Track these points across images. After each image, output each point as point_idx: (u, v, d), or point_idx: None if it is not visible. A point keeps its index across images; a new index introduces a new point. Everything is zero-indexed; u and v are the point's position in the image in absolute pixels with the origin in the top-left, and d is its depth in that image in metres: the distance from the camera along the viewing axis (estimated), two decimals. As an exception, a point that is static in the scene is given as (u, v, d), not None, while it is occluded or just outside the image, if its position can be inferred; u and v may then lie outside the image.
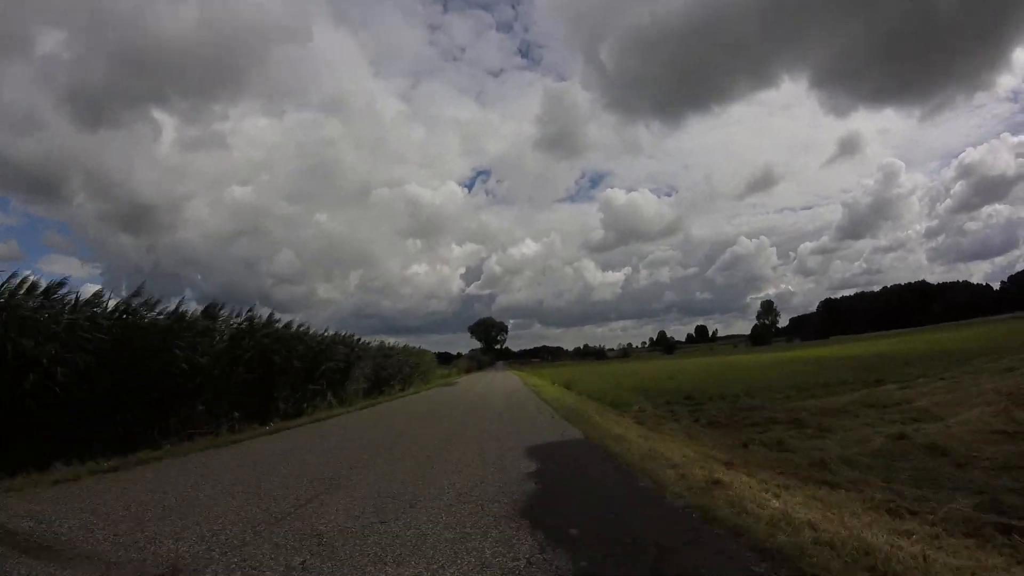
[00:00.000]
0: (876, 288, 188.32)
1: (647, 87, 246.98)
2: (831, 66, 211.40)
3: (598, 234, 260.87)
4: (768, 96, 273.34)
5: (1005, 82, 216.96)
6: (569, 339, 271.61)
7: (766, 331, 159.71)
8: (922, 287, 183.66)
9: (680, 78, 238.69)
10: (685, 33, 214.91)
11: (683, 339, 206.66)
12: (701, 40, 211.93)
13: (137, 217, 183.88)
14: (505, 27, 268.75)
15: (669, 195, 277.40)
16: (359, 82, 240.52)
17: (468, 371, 66.85)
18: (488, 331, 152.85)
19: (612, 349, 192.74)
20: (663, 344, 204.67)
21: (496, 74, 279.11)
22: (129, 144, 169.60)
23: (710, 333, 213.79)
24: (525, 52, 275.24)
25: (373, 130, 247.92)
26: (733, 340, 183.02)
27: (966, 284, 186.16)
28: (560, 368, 67.66)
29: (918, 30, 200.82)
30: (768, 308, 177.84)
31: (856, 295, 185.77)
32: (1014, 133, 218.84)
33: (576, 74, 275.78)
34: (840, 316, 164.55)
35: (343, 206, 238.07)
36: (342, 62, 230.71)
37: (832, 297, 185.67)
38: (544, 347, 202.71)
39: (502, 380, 40.59)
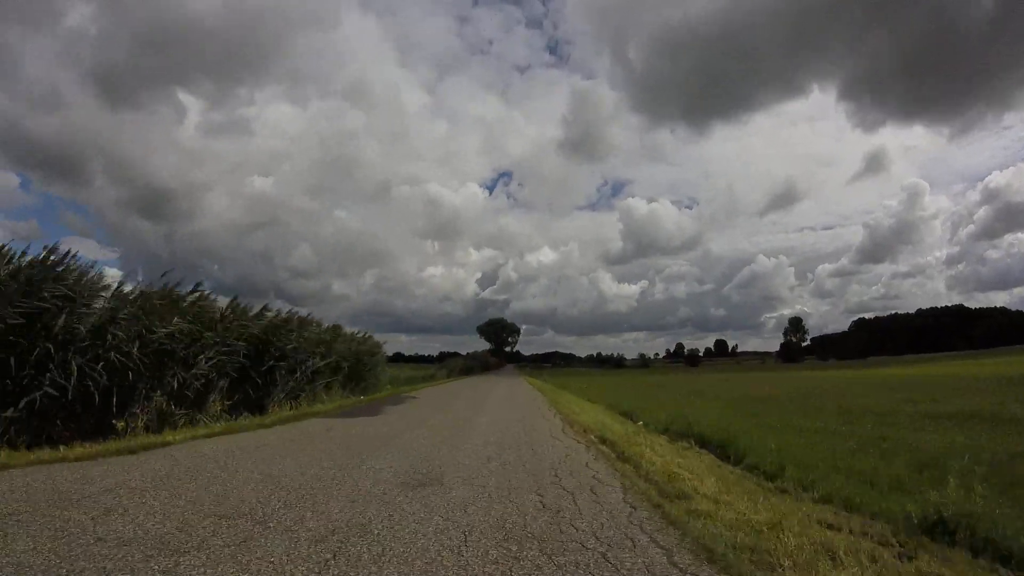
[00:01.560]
0: (909, 311, 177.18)
1: (674, 90, 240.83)
2: (861, 78, 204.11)
3: (616, 245, 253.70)
4: (795, 107, 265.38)
5: None
6: (581, 347, 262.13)
7: (795, 348, 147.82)
8: (959, 311, 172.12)
9: (707, 83, 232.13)
10: (715, 37, 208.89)
11: (700, 353, 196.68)
12: (731, 45, 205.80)
13: (156, 203, 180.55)
14: (535, 23, 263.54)
15: (690, 207, 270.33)
16: (384, 70, 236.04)
17: (465, 374, 53.54)
18: (499, 332, 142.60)
19: (631, 359, 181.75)
20: (681, 356, 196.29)
21: (523, 70, 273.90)
22: (152, 126, 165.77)
23: (730, 348, 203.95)
24: (553, 49, 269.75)
25: (396, 123, 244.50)
26: (758, 356, 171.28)
27: (1004, 310, 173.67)
28: (582, 377, 56.57)
29: (950, 46, 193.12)
30: (796, 325, 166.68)
31: (890, 316, 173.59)
32: None
33: (603, 73, 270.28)
34: (873, 336, 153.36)
35: (363, 202, 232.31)
36: (368, 49, 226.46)
37: (865, 317, 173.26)
38: (556, 352, 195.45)
39: (506, 400, 20.62)
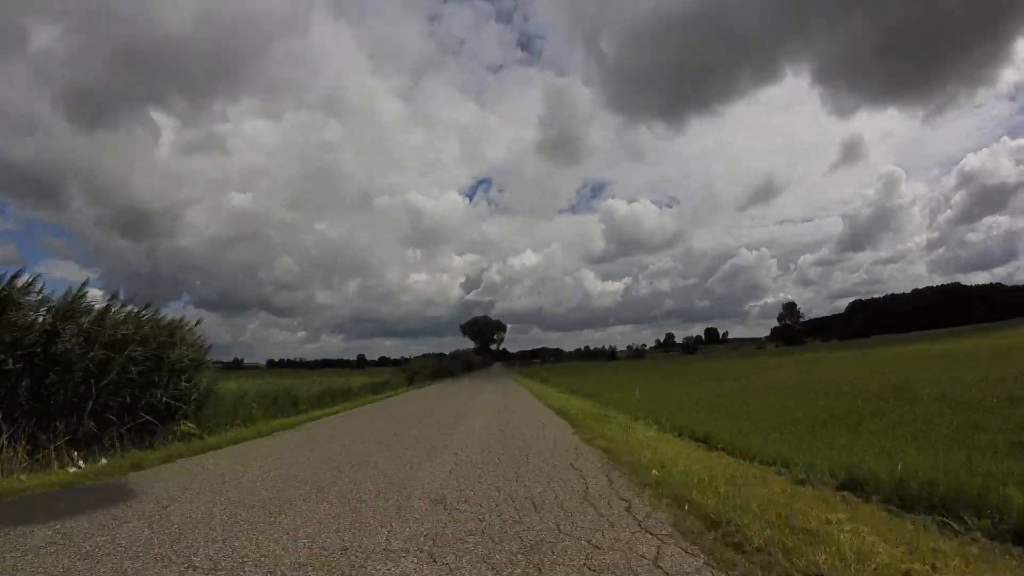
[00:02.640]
0: (903, 291, 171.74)
1: (649, 82, 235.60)
2: (835, 61, 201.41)
3: (599, 245, 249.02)
4: (771, 93, 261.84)
5: (1007, 76, 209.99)
6: (567, 342, 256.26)
7: (795, 332, 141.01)
8: (956, 288, 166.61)
9: (682, 73, 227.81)
10: (687, 25, 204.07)
11: (690, 341, 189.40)
12: (704, 32, 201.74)
13: (136, 222, 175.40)
14: (504, 17, 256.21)
15: (670, 206, 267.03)
16: (358, 79, 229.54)
17: (436, 378, 42.97)
18: (483, 330, 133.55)
19: (623, 350, 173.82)
20: (673, 345, 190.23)
21: (496, 70, 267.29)
22: (127, 146, 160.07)
23: (720, 335, 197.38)
24: (525, 44, 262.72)
25: (373, 133, 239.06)
26: (752, 342, 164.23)
27: (999, 286, 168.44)
28: (581, 374, 46.98)
29: (922, 25, 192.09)
30: (791, 309, 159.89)
31: (887, 297, 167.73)
32: (1013, 137, 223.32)
33: (577, 69, 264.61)
34: (870, 317, 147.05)
35: (344, 214, 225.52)
36: (341, 58, 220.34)
37: (861, 299, 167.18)
38: (544, 348, 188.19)
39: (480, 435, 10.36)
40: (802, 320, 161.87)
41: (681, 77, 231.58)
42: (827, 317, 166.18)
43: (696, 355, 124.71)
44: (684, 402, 16.23)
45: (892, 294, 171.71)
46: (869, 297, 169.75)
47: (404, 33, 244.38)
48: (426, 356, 47.54)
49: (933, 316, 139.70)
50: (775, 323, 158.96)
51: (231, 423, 10.93)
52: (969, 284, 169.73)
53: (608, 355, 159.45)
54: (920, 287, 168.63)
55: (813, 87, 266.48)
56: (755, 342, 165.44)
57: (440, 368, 46.34)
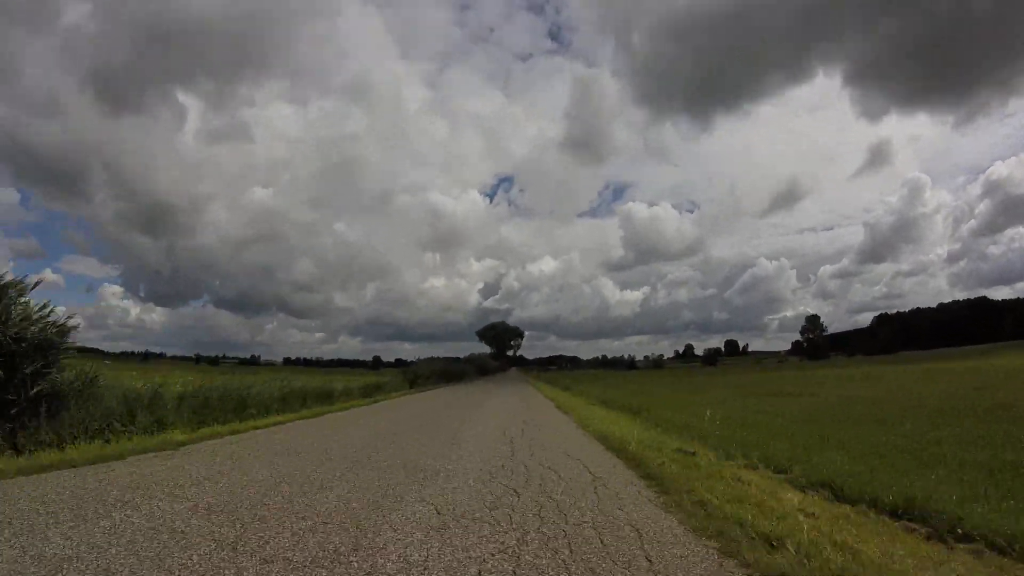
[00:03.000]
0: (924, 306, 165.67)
1: (678, 78, 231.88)
2: (867, 62, 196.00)
3: (618, 252, 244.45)
4: (800, 94, 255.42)
5: None
6: (584, 351, 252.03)
7: (820, 345, 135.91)
8: (983, 303, 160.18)
9: (712, 69, 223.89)
10: (719, 22, 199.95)
11: (710, 353, 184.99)
12: (736, 29, 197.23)
13: (157, 217, 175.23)
14: (536, 8, 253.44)
15: (691, 211, 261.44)
16: (385, 64, 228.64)
17: (445, 383, 38.78)
18: (500, 336, 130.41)
19: (641, 360, 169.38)
20: (692, 356, 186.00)
21: (524, 58, 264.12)
22: (153, 131, 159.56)
23: (741, 347, 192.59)
24: (555, 35, 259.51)
25: (397, 122, 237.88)
26: (774, 355, 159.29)
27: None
28: (603, 382, 43.70)
29: (956, 30, 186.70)
30: (814, 323, 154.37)
31: (912, 311, 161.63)
32: None
33: (606, 61, 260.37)
34: (896, 332, 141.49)
35: (363, 214, 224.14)
36: (369, 41, 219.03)
37: (887, 312, 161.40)
38: (561, 356, 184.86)
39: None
40: (824, 334, 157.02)
41: (711, 74, 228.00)
42: (849, 331, 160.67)
43: (717, 367, 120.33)
44: (768, 425, 12.70)
45: (917, 308, 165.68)
46: (894, 311, 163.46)
47: (433, 19, 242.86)
48: (431, 359, 44.38)
49: (960, 331, 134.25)
50: (793, 336, 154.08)
51: (120, 431, 7.97)
52: (996, 299, 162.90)
53: (627, 364, 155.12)
54: (945, 301, 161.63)
55: (844, 88, 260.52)
56: (775, 355, 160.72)
57: (448, 371, 43.31)
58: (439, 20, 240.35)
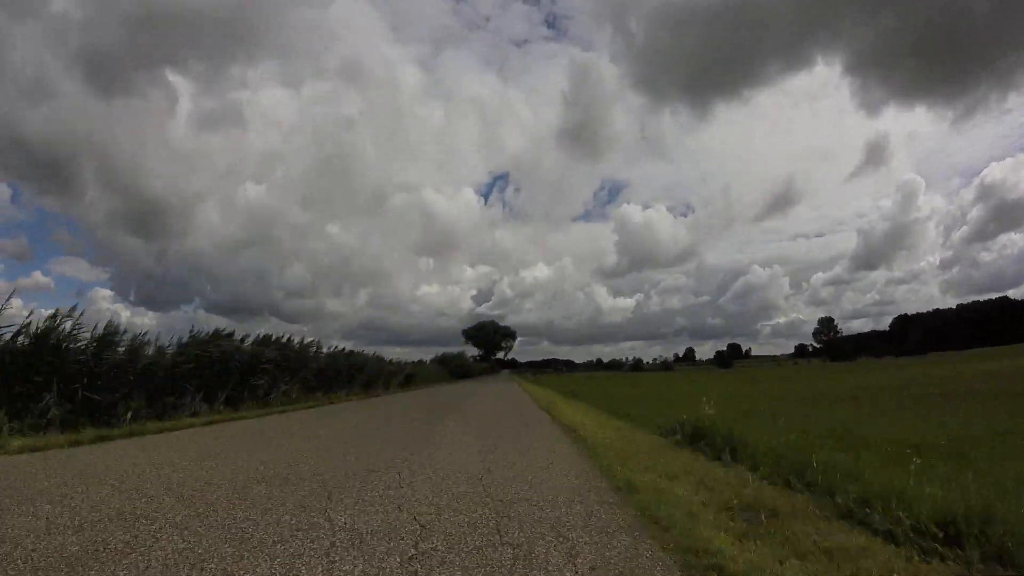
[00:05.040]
0: (892, 313, 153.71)
1: (677, 64, 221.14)
2: (867, 52, 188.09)
3: (611, 259, 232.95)
4: (799, 82, 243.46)
5: None
6: (577, 355, 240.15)
7: (844, 346, 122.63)
8: (1003, 303, 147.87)
9: (711, 56, 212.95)
10: (718, 9, 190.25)
11: (711, 357, 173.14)
12: (736, 15, 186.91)
13: (148, 217, 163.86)
14: None
15: (685, 215, 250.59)
16: (378, 48, 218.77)
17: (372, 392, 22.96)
18: (490, 336, 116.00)
19: (649, 363, 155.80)
20: (689, 359, 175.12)
21: (520, 44, 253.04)
22: (144, 115, 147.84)
23: (744, 351, 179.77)
24: (552, 23, 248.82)
25: (391, 108, 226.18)
26: (789, 359, 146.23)
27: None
28: (634, 388, 28.09)
29: (960, 24, 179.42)
30: (828, 325, 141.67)
31: (933, 312, 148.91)
32: None
33: (604, 46, 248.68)
34: (919, 333, 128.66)
35: (357, 214, 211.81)
36: (362, 25, 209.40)
37: (907, 313, 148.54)
38: (555, 359, 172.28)
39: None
40: (837, 336, 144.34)
41: (709, 61, 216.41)
42: (870, 333, 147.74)
43: (734, 368, 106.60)
44: None
45: (937, 309, 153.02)
46: (914, 313, 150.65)
47: (429, 8, 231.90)
48: (379, 360, 28.90)
49: (983, 330, 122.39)
50: (783, 341, 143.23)
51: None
52: (1018, 299, 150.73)
53: (633, 366, 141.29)
54: (975, 300, 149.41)
55: (844, 77, 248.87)
56: (789, 358, 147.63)
57: (391, 372, 29.16)
58: (434, 9, 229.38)
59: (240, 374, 14.23)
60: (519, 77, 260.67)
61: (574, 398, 19.20)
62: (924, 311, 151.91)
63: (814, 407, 14.43)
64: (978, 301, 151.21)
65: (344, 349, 21.81)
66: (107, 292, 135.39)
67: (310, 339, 19.48)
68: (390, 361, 28.16)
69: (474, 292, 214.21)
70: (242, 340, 15.19)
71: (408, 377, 30.57)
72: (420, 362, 38.57)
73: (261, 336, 16.37)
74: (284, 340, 17.09)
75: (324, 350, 19.87)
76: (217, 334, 14.35)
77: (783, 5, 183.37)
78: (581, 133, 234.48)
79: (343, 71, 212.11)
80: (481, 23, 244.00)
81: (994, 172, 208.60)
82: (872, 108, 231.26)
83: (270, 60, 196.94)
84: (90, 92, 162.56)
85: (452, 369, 47.69)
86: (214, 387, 13.34)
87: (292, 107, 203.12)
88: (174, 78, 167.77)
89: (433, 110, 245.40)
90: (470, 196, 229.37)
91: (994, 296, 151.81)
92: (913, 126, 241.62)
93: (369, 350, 24.69)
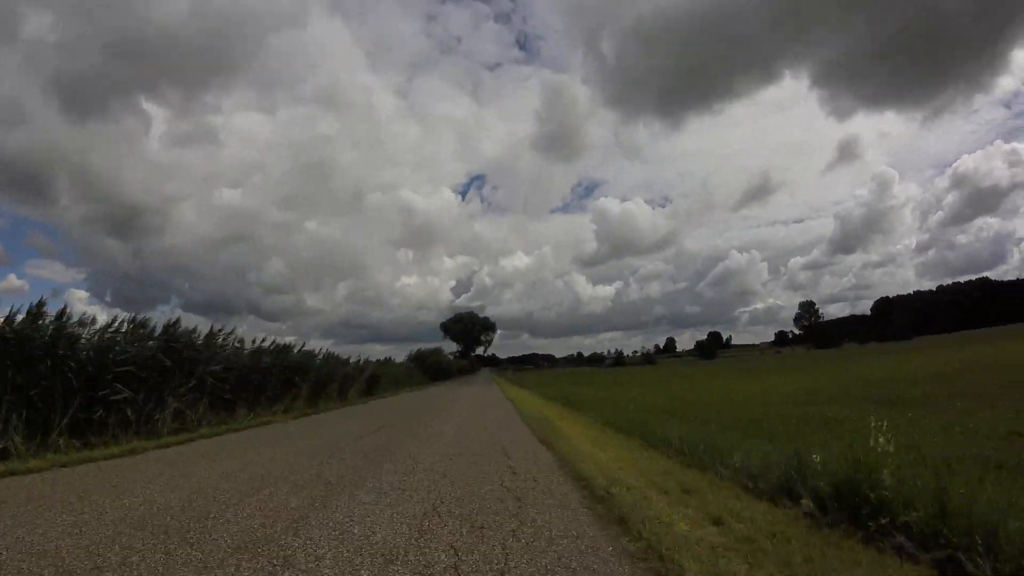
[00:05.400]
0: (873, 297, 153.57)
1: (648, 81, 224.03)
2: (834, 63, 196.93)
3: (591, 247, 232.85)
4: (769, 94, 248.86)
5: (1004, 84, 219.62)
6: (557, 349, 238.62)
7: (828, 332, 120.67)
8: (984, 284, 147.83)
9: (681, 73, 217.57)
10: (689, 26, 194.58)
11: (691, 347, 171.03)
12: (705, 33, 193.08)
13: (124, 220, 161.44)
14: (503, 18, 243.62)
15: (663, 206, 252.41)
16: (354, 74, 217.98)
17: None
18: (469, 329, 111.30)
19: (630, 355, 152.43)
20: (670, 351, 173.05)
21: (492, 68, 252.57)
22: (118, 137, 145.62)
23: (724, 339, 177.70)
24: (523, 44, 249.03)
25: (367, 127, 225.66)
26: (771, 347, 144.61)
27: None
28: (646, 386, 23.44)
29: (922, 30, 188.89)
30: (809, 309, 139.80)
31: (914, 294, 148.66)
32: (1006, 140, 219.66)
33: (576, 67, 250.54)
34: (900, 317, 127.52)
35: (335, 213, 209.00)
36: (337, 52, 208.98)
37: (888, 296, 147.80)
38: (535, 354, 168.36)
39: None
40: (819, 320, 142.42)
41: (681, 78, 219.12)
42: (849, 318, 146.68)
43: (718, 360, 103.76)
44: None
45: (918, 291, 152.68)
46: (895, 295, 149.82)
47: (401, 31, 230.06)
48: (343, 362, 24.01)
49: (965, 313, 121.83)
50: (761, 328, 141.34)
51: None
52: (1009, 279, 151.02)
53: (615, 360, 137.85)
54: (956, 281, 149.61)
55: (812, 89, 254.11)
56: (766, 346, 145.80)
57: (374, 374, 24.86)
58: (407, 32, 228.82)
59: (86, 383, 9.14)
60: (492, 99, 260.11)
61: (569, 408, 15.02)
62: (904, 293, 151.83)
63: (889, 410, 10.64)
64: (959, 283, 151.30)
65: (275, 344, 16.73)
66: (83, 293, 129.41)
67: (228, 332, 14.24)
68: (347, 361, 23.57)
69: (453, 283, 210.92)
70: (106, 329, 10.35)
71: (372, 381, 26.18)
72: (387, 360, 33.84)
73: (118, 323, 10.84)
74: (175, 329, 11.76)
75: (246, 346, 15.00)
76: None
77: (751, 24, 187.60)
78: (555, 142, 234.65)
79: (319, 98, 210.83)
80: (453, 45, 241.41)
81: (966, 162, 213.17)
82: (842, 114, 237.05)
83: (246, 89, 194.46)
84: (65, 117, 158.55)
85: (428, 368, 42.97)
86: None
87: (268, 128, 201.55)
88: (149, 106, 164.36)
89: (409, 128, 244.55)
90: (448, 195, 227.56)
91: (973, 278, 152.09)
92: (883, 127, 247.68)
93: (351, 349, 20.67)
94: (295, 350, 17.74)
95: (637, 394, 18.15)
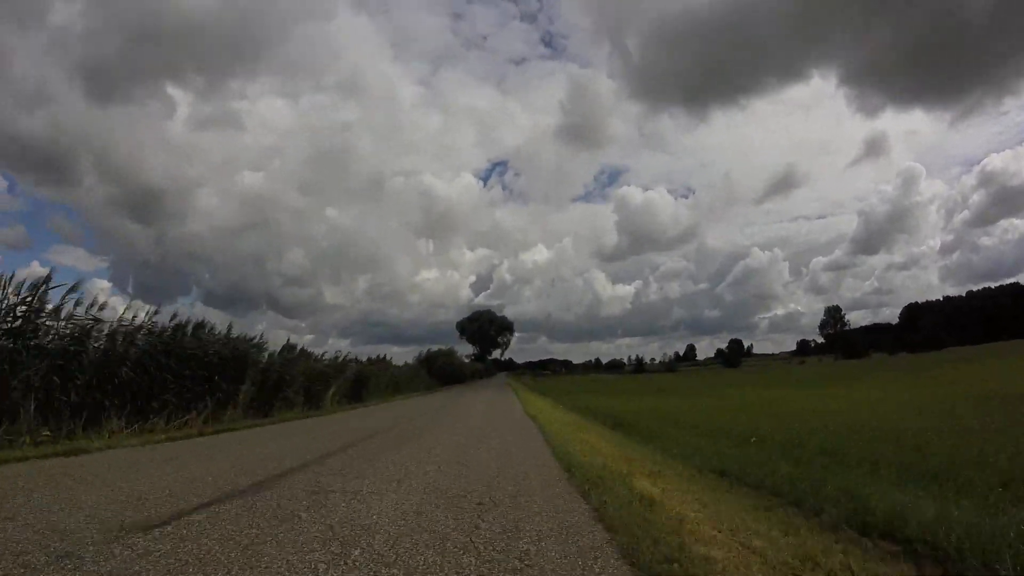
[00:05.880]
0: (892, 306, 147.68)
1: (673, 78, 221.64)
2: (862, 64, 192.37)
3: (611, 239, 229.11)
4: (796, 92, 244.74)
5: None
6: (574, 354, 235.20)
7: (852, 341, 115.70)
8: (1015, 290, 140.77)
9: (708, 71, 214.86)
10: (715, 26, 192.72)
11: (712, 355, 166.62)
12: (731, 34, 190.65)
13: (146, 204, 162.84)
14: (529, 18, 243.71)
15: (686, 196, 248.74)
16: (378, 64, 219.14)
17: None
18: (486, 329, 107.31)
19: (649, 363, 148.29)
20: (689, 359, 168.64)
21: (518, 62, 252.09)
22: (141, 121, 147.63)
23: (745, 348, 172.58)
24: (548, 42, 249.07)
25: (389, 116, 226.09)
26: (796, 355, 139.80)
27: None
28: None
29: (953, 34, 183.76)
30: (834, 314, 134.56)
31: (944, 299, 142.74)
32: None
33: (601, 63, 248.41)
34: (933, 325, 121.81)
35: (355, 199, 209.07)
36: (362, 43, 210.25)
37: (916, 302, 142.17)
38: (553, 359, 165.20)
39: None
40: (845, 328, 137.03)
41: (706, 75, 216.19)
42: (878, 325, 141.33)
43: (742, 369, 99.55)
44: None
45: (948, 296, 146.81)
46: (923, 301, 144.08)
47: (427, 27, 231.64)
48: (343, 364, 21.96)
49: (1003, 320, 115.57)
50: (782, 337, 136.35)
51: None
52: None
53: (635, 367, 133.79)
54: (986, 286, 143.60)
55: (839, 88, 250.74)
56: (788, 356, 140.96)
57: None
58: (433, 28, 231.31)
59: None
60: (517, 91, 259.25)
61: (622, 431, 11.36)
62: (933, 299, 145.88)
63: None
64: (989, 288, 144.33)
65: (189, 325, 13.21)
66: (105, 284, 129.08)
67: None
68: (321, 357, 20.35)
69: (473, 279, 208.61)
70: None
71: (359, 383, 22.91)
72: (379, 360, 30.65)
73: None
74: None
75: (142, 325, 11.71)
76: None
77: (777, 24, 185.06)
78: (579, 132, 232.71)
79: (342, 87, 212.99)
80: (479, 42, 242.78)
81: (994, 161, 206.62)
82: (870, 112, 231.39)
83: (270, 76, 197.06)
84: (89, 101, 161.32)
85: (437, 370, 39.68)
86: None
87: (290, 114, 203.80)
88: (173, 91, 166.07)
89: (431, 117, 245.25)
90: (469, 180, 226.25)
91: (997, 284, 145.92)
92: (911, 126, 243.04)
93: (368, 350, 17.63)
94: (212, 331, 14.07)
95: (687, 407, 14.87)
